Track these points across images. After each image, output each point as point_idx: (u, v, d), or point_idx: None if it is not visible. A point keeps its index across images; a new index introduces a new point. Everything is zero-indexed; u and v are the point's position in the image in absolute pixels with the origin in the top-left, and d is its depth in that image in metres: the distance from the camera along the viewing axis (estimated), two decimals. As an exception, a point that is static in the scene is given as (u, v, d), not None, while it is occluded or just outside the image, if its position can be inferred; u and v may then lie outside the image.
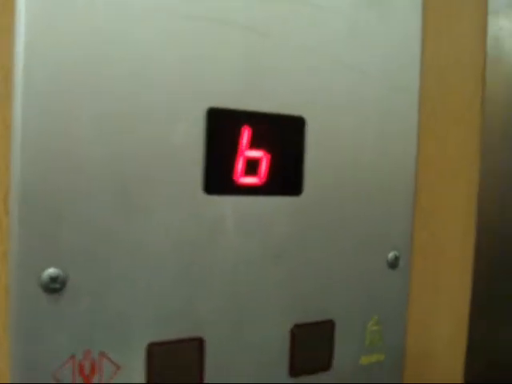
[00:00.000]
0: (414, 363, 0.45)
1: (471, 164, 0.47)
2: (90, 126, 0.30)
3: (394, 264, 0.42)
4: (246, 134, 0.35)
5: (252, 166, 0.35)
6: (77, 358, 0.31)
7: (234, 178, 0.35)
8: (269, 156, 0.36)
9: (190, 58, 0.33)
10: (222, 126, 0.34)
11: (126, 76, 0.31)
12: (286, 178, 0.37)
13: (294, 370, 0.38)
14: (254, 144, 0.35)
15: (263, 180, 0.36)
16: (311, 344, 0.39)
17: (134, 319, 0.32)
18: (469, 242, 0.48)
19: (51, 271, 0.29)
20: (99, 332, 0.31)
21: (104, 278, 0.31)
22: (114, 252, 0.31)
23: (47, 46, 0.29)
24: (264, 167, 0.36)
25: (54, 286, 0.30)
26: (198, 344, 0.34)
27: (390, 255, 0.42)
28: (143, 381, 0.33)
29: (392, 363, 0.43)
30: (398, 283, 0.43)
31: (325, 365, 0.39)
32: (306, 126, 0.37)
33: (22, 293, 0.29)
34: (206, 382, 0.35)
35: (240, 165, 0.35)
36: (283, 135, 0.36)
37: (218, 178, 0.34)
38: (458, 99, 0.46)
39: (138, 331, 0.32)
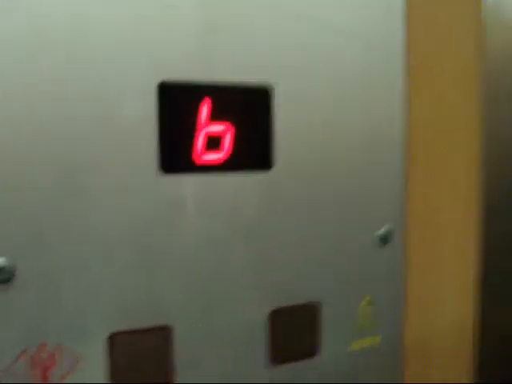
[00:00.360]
0: (415, 347, 0.42)
1: (471, 128, 0.43)
2: (27, 111, 0.28)
3: (385, 239, 0.39)
4: (205, 108, 0.32)
5: (214, 142, 0.33)
6: (29, 352, 0.29)
7: (194, 155, 0.32)
8: (233, 129, 0.33)
9: (135, 23, 0.30)
10: (176, 101, 0.32)
11: (64, 53, 0.29)
12: (253, 151, 0.34)
13: (275, 357, 0.36)
14: (216, 118, 0.33)
15: (227, 156, 0.33)
16: (293, 329, 0.36)
17: (91, 309, 0.30)
18: (472, 213, 0.44)
19: (-4, 261, 0.28)
20: (54, 323, 0.30)
21: (55, 267, 0.29)
22: (63, 240, 0.29)
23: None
24: (228, 142, 0.33)
25: (2, 277, 0.28)
26: (164, 332, 0.32)
27: (381, 230, 0.39)
28: (106, 372, 0.31)
29: (389, 347, 0.40)
30: (392, 260, 0.40)
31: (310, 351, 0.37)
32: (274, 94, 0.34)
33: (-34, 285, 0.28)
34: (176, 372, 0.33)
35: (200, 141, 0.32)
36: (248, 106, 0.34)
37: (176, 156, 0.32)
38: (453, 58, 0.42)
39: (97, 321, 0.31)
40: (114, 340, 0.31)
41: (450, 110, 0.42)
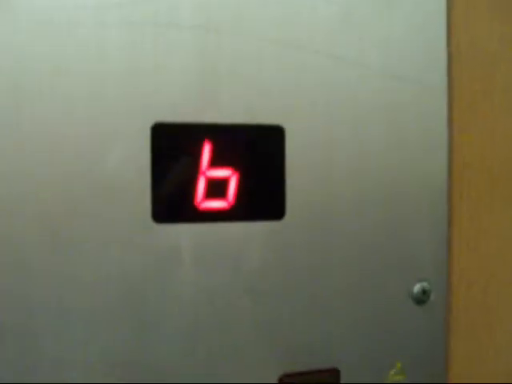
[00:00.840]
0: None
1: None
2: (12, 153, 0.27)
3: (420, 299, 0.34)
4: (206, 151, 0.30)
5: (217, 188, 0.30)
6: (9, 407, 0.28)
7: (195, 202, 0.30)
8: (237, 174, 0.30)
9: (129, 68, 0.28)
10: (173, 143, 0.29)
11: (51, 93, 0.27)
12: (262, 199, 0.31)
13: (285, 427, 0.32)
14: (218, 161, 0.30)
15: (232, 203, 0.30)
16: (307, 397, 0.32)
17: (74, 365, 0.28)
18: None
19: (-24, 313, 0.27)
20: (32, 375, 0.28)
21: (37, 319, 0.28)
22: (46, 292, 0.28)
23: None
24: (232, 188, 0.30)
25: (-20, 328, 0.27)
26: (154, 393, 0.30)
27: (416, 288, 0.34)
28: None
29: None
30: (429, 322, 0.34)
31: (328, 422, 0.33)
32: (286, 136, 0.31)
33: None
34: None
35: (201, 187, 0.30)
36: (255, 149, 0.31)
37: (172, 203, 0.29)
38: (501, 95, 0.37)
39: (80, 378, 0.29)
40: (97, 399, 0.29)
41: (500, 151, 0.36)
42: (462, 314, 0.36)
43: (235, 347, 0.31)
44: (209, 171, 0.30)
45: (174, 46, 0.29)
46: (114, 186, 0.28)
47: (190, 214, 0.30)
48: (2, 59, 0.27)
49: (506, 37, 0.37)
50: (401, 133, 0.34)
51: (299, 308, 0.32)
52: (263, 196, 0.31)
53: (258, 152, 0.31)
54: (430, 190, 0.35)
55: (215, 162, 0.30)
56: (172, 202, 0.29)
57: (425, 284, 0.34)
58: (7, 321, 0.27)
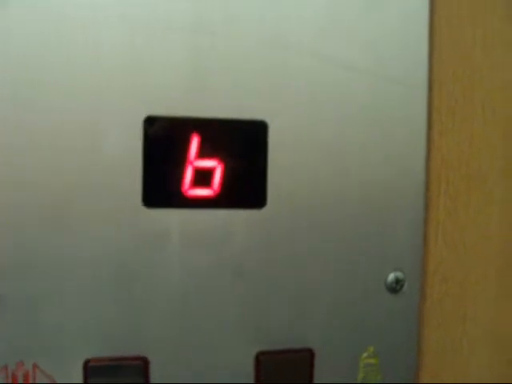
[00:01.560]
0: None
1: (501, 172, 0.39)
2: (13, 142, 0.30)
3: (394, 288, 0.36)
4: (194, 143, 0.32)
5: (204, 177, 0.33)
6: (9, 368, 0.31)
7: (182, 189, 0.32)
8: (223, 165, 0.33)
9: (124, 64, 0.31)
10: (163, 135, 0.32)
11: (50, 87, 0.30)
12: (245, 189, 0.33)
13: (261, 401, 0.34)
14: (206, 153, 0.32)
15: (217, 192, 0.33)
16: (283, 374, 0.35)
17: (68, 334, 0.32)
18: (509, 262, 0.40)
19: (-19, 283, 0.30)
20: (32, 344, 0.31)
21: (36, 292, 0.31)
22: (45, 267, 0.31)
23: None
24: (218, 178, 0.33)
25: (-15, 298, 0.30)
26: (141, 364, 0.32)
27: (390, 277, 0.36)
28: (81, 397, 0.32)
29: (396, 403, 0.37)
30: (402, 310, 0.37)
31: (302, 399, 0.35)
32: (269, 131, 0.33)
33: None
34: (151, 404, 0.33)
35: (188, 176, 0.32)
36: (240, 142, 0.33)
37: (161, 190, 0.32)
38: (481, 96, 0.39)
39: (74, 346, 0.32)
40: (88, 365, 0.32)
41: (478, 152, 0.38)
42: (437, 305, 0.38)
43: (217, 325, 0.34)
44: (196, 161, 0.32)
45: (166, 46, 0.32)
46: (109, 172, 0.31)
47: (178, 200, 0.32)
48: (5, 54, 0.30)
49: (488, 42, 0.38)
50: (382, 131, 0.36)
51: (279, 291, 0.34)
52: (246, 186, 0.33)
53: (242, 145, 0.33)
54: (408, 186, 0.36)
55: (202, 153, 0.32)
56: (161, 188, 0.32)
57: (399, 274, 0.36)
58: (10, 292, 0.30)
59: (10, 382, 0.31)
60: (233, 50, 0.33)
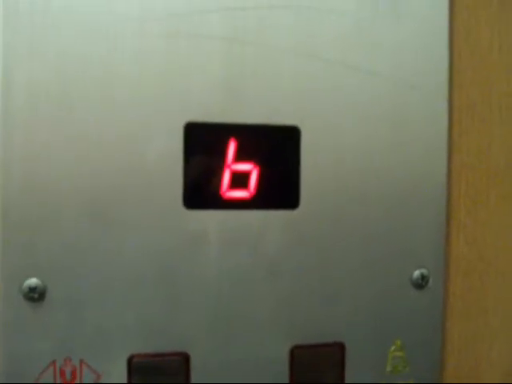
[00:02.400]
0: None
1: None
2: (65, 147, 0.32)
3: (420, 284, 0.38)
4: (231, 147, 0.34)
5: (240, 180, 0.34)
6: (58, 364, 0.32)
7: (220, 192, 0.34)
8: (258, 168, 0.34)
9: (166, 73, 0.33)
10: (202, 140, 0.33)
11: (99, 95, 0.32)
12: (280, 191, 0.35)
13: (295, 392, 0.36)
14: (242, 157, 0.34)
15: (253, 193, 0.34)
16: (316, 367, 0.36)
17: (113, 330, 0.33)
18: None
19: (31, 281, 0.31)
20: (79, 341, 0.33)
21: (82, 289, 0.32)
22: (91, 266, 0.32)
23: (25, 75, 0.31)
24: (254, 180, 0.34)
25: (34, 296, 0.31)
26: (182, 359, 0.34)
27: (416, 274, 0.38)
28: (125, 391, 0.34)
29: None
30: (427, 305, 0.38)
31: (334, 390, 0.37)
32: (302, 136, 0.35)
33: (5, 301, 0.32)
34: (192, 398, 0.35)
35: (226, 178, 0.34)
36: (274, 147, 0.35)
37: (200, 192, 0.34)
38: (502, 99, 0.40)
39: (119, 342, 0.33)
40: (132, 360, 0.33)
41: (496, 152, 0.40)
42: (459, 299, 0.40)
43: (253, 321, 0.35)
44: (233, 165, 0.34)
45: (204, 55, 0.33)
46: (152, 175, 0.33)
47: (217, 201, 0.34)
48: (56, 65, 0.31)
49: (504, 47, 0.40)
50: (405, 134, 0.38)
51: (311, 288, 0.36)
52: (280, 188, 0.35)
53: (276, 149, 0.35)
54: (431, 187, 0.38)
55: (239, 157, 0.34)
56: (201, 190, 0.34)
57: (424, 270, 0.38)
58: (58, 291, 0.32)
59: (58, 376, 0.32)
60: (265, 58, 0.34)
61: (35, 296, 0.32)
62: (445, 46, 0.38)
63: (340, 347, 0.37)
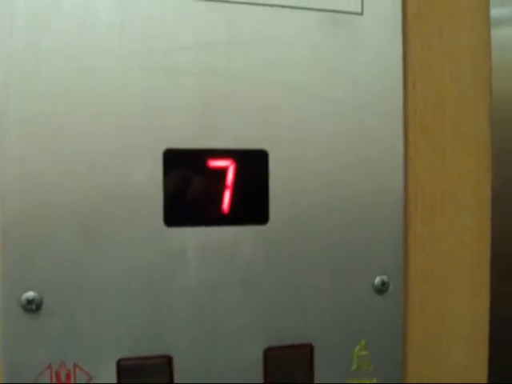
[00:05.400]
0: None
1: (480, 181, 0.45)
2: (58, 175, 0.36)
3: (381, 289, 0.42)
4: (206, 170, 0.38)
5: (215, 199, 0.38)
6: (53, 368, 0.36)
7: (197, 210, 0.38)
8: (231, 188, 0.38)
9: (146, 105, 0.37)
10: (180, 164, 0.38)
11: (87, 126, 0.36)
12: (251, 208, 0.39)
13: (269, 390, 0.40)
14: (216, 178, 0.38)
15: (227, 211, 0.38)
16: (287, 366, 0.40)
17: (103, 336, 0.37)
18: (482, 264, 0.45)
19: (28, 294, 0.35)
20: (72, 346, 0.36)
21: (75, 300, 0.36)
22: (82, 279, 0.36)
23: (18, 111, 0.35)
24: (227, 199, 0.38)
25: (31, 307, 0.35)
26: (166, 361, 0.38)
27: (377, 280, 0.42)
28: (115, 391, 0.37)
29: (386, 389, 0.43)
30: (388, 309, 0.42)
31: (304, 388, 0.41)
32: (269, 158, 0.39)
33: (5, 312, 0.35)
34: (176, 397, 0.38)
35: (202, 198, 0.38)
36: (245, 168, 0.39)
37: (179, 210, 0.38)
38: (455, 113, 0.45)
39: (108, 347, 0.37)
40: (121, 363, 0.37)
41: (449, 169, 0.44)
42: (418, 303, 0.44)
43: (230, 326, 0.39)
44: (208, 185, 0.38)
45: (180, 88, 0.38)
46: (136, 196, 0.37)
47: (194, 219, 0.38)
48: (46, 102, 0.35)
49: (455, 73, 0.45)
50: (365, 154, 0.42)
51: (282, 295, 0.40)
52: (251, 206, 0.39)
53: (247, 171, 0.39)
54: (389, 201, 0.42)
55: (213, 179, 0.38)
56: (179, 209, 0.38)
57: (384, 277, 0.42)
58: (52, 303, 0.36)
59: (54, 378, 0.36)
60: (234, 89, 0.39)
61: (33, 307, 0.35)
62: (399, 73, 0.43)
63: (309, 348, 0.41)
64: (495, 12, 0.46)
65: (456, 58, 0.45)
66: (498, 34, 0.45)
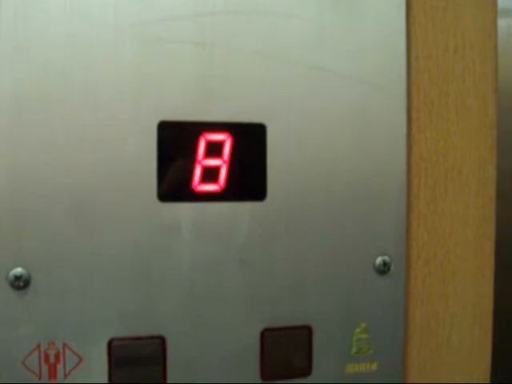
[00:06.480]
0: (420, 374, 0.43)
1: (484, 161, 0.44)
2: (47, 145, 0.34)
3: (382, 270, 0.40)
4: (202, 144, 0.36)
5: (211, 174, 0.37)
6: (42, 348, 0.35)
7: (192, 185, 0.36)
8: (227, 164, 0.37)
9: (140, 77, 0.35)
10: (175, 138, 0.36)
11: (79, 98, 0.34)
12: (247, 184, 0.38)
13: (266, 373, 0.38)
14: (212, 152, 0.37)
15: (223, 187, 0.37)
16: (285, 348, 0.39)
17: (94, 316, 0.35)
18: (485, 246, 0.44)
19: (16, 271, 0.34)
20: (61, 326, 0.35)
21: (65, 278, 0.35)
22: (72, 256, 0.35)
23: (9, 79, 0.33)
24: (223, 174, 0.37)
25: (19, 284, 0.34)
26: (159, 342, 0.36)
27: (378, 260, 0.40)
28: (106, 373, 0.36)
29: (386, 374, 0.41)
30: (390, 290, 0.41)
31: (303, 371, 0.39)
32: (267, 132, 0.38)
33: (-8, 289, 0.34)
34: (169, 380, 0.37)
35: (197, 173, 0.36)
36: (242, 143, 0.37)
37: (173, 186, 0.36)
38: (459, 94, 0.43)
39: (100, 327, 0.36)
40: (112, 344, 0.36)
41: (453, 147, 0.43)
42: (420, 284, 0.43)
43: (225, 306, 0.38)
44: (204, 160, 0.37)
45: (175, 59, 0.36)
46: (128, 171, 0.35)
47: (189, 194, 0.36)
48: (37, 71, 0.34)
49: (460, 48, 0.43)
50: (367, 130, 0.40)
51: (280, 274, 0.39)
52: (248, 181, 0.38)
53: (244, 145, 0.37)
54: (392, 179, 0.41)
55: (209, 153, 0.37)
56: (173, 184, 0.36)
57: (386, 257, 0.40)
58: (41, 280, 0.34)
59: (42, 359, 0.35)
60: (233, 60, 0.37)
61: (20, 284, 0.34)
62: (403, 47, 0.41)
63: (307, 330, 0.39)
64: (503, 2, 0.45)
65: (461, 33, 0.44)
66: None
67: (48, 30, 0.34)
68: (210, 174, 0.37)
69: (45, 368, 0.35)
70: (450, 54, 0.43)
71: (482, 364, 0.45)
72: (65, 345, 0.35)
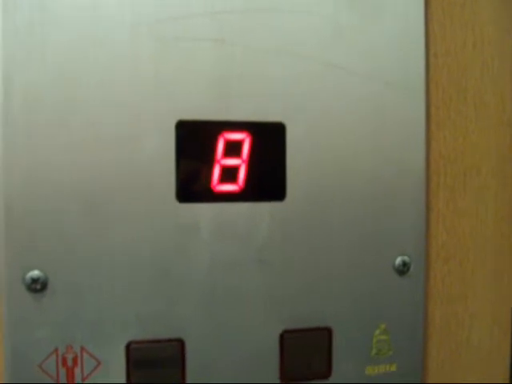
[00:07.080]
0: (439, 374, 0.43)
1: (503, 160, 0.43)
2: (64, 145, 0.34)
3: (402, 270, 0.40)
4: (220, 143, 0.36)
5: (230, 174, 0.36)
6: (60, 352, 0.34)
7: (211, 186, 0.36)
8: (246, 163, 0.36)
9: (158, 75, 0.35)
10: (193, 137, 0.35)
11: (96, 98, 0.34)
12: (267, 184, 0.37)
13: (285, 375, 0.38)
14: (231, 152, 0.36)
15: (242, 187, 0.36)
16: (304, 350, 0.38)
17: (113, 319, 0.35)
18: (505, 245, 0.44)
19: (33, 273, 0.33)
20: (79, 329, 0.34)
21: (82, 280, 0.34)
22: (90, 258, 0.34)
23: (24, 80, 0.33)
24: (242, 174, 0.36)
25: (36, 287, 0.33)
26: (178, 345, 0.36)
27: (398, 261, 0.40)
28: (124, 377, 0.35)
29: (406, 375, 0.41)
30: (409, 291, 0.40)
31: (322, 373, 0.39)
32: (287, 132, 0.37)
33: (9, 292, 0.33)
34: (188, 382, 0.36)
35: (216, 173, 0.36)
36: (261, 142, 0.37)
37: (192, 186, 0.36)
38: (477, 92, 0.43)
39: (118, 330, 0.35)
40: (130, 347, 0.35)
41: (472, 145, 0.42)
42: (440, 284, 0.42)
43: (244, 307, 0.37)
44: (223, 160, 0.36)
45: (193, 57, 0.35)
46: (147, 171, 0.35)
47: (207, 195, 0.36)
48: (53, 71, 0.33)
49: (478, 44, 0.43)
50: (385, 128, 0.39)
51: (299, 275, 0.38)
52: (268, 181, 0.37)
53: (263, 144, 0.37)
54: (410, 178, 0.40)
55: (228, 153, 0.36)
56: (192, 185, 0.36)
57: (405, 258, 0.40)
58: (58, 282, 0.34)
59: (60, 363, 0.34)
60: (251, 59, 0.36)
61: (37, 287, 0.33)
62: (421, 44, 0.40)
63: (327, 331, 0.39)
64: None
65: (479, 29, 0.43)
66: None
67: (64, 30, 0.33)
68: (229, 174, 0.36)
69: (62, 371, 0.34)
70: (468, 50, 0.43)
71: (501, 364, 0.44)
72: (82, 348, 0.34)
